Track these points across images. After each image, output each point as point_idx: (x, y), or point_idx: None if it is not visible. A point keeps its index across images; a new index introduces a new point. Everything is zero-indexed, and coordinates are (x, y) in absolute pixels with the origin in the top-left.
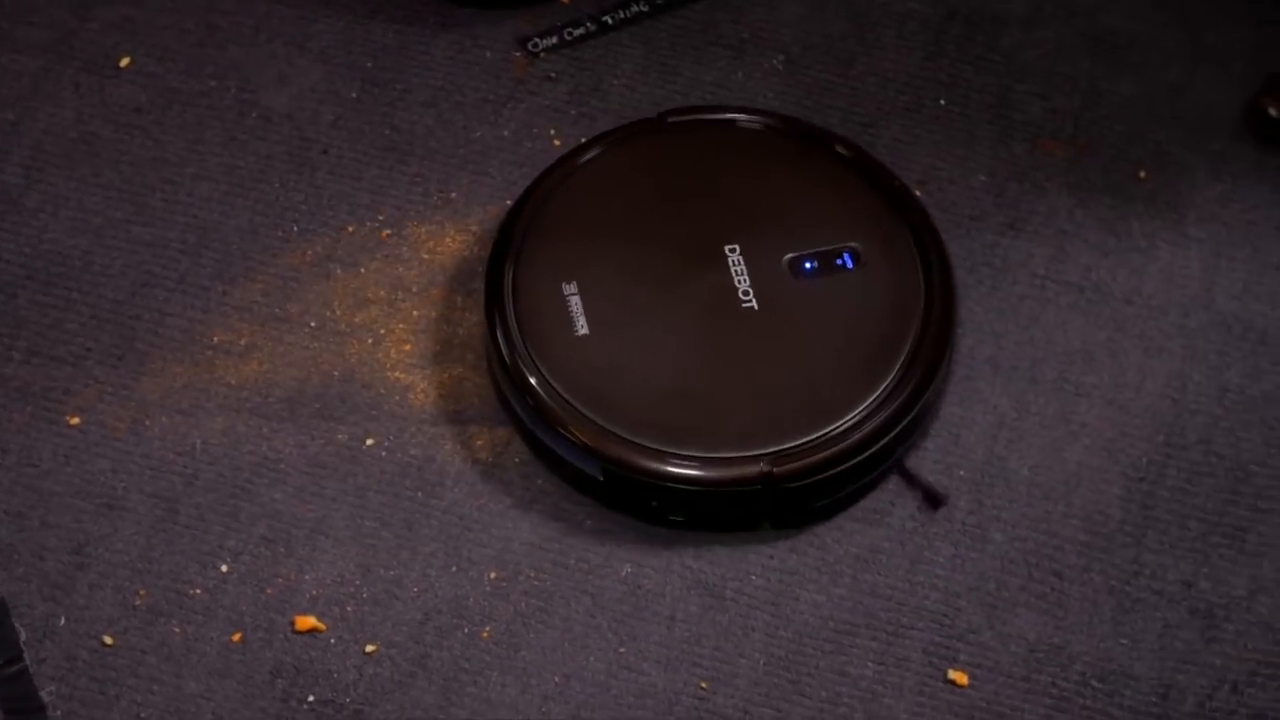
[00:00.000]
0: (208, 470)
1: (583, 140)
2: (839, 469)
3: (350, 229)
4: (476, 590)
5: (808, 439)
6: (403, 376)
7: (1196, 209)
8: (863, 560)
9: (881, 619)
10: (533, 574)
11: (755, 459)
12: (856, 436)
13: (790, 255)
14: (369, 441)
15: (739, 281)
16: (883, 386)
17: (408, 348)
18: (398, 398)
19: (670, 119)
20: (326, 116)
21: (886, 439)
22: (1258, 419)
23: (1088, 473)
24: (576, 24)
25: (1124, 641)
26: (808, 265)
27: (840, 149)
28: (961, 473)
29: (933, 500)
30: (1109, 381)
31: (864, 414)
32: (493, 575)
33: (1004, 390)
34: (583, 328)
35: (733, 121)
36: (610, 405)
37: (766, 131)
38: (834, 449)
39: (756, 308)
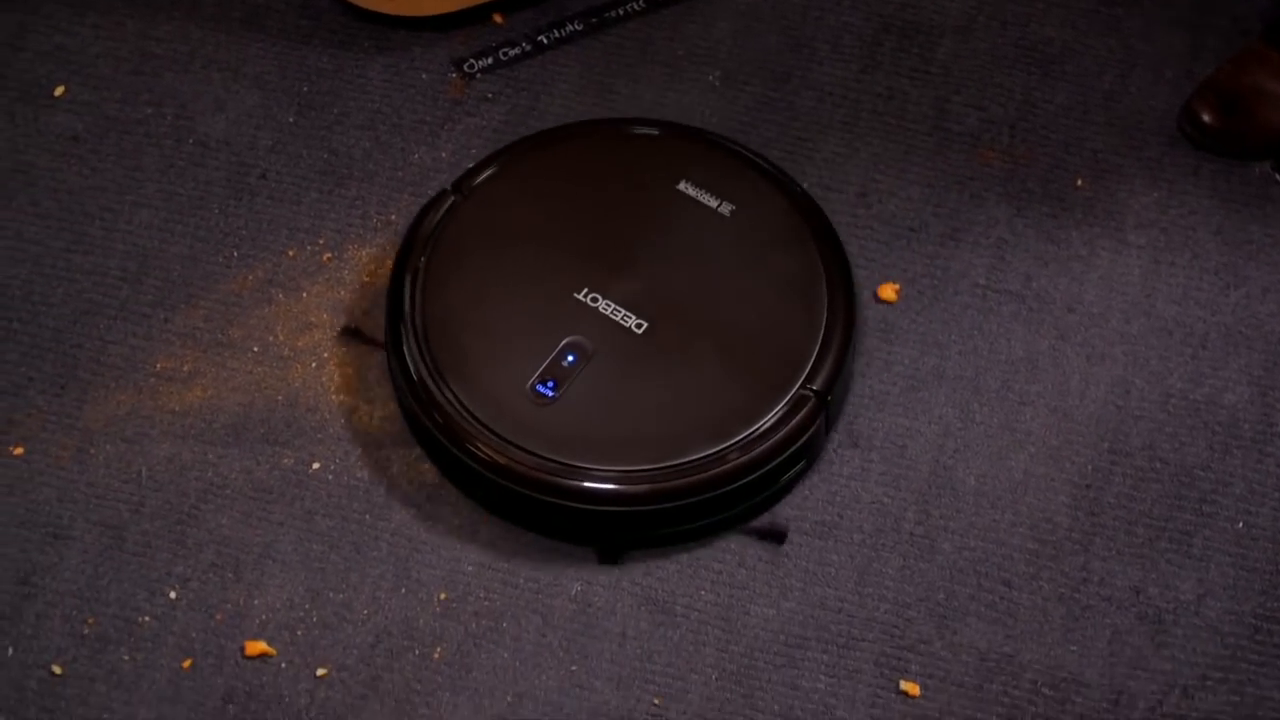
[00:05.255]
0: (154, 497)
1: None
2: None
3: (291, 253)
4: (426, 611)
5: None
6: (347, 399)
7: (1135, 215)
8: (812, 573)
9: (832, 631)
10: (482, 594)
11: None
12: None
13: None
14: (315, 465)
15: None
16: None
17: (351, 371)
18: (343, 421)
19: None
20: (264, 141)
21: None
22: (1201, 423)
23: (1034, 481)
24: (512, 44)
25: (1074, 649)
26: None
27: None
28: (908, 484)
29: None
30: (1053, 389)
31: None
32: (442, 596)
33: (949, 400)
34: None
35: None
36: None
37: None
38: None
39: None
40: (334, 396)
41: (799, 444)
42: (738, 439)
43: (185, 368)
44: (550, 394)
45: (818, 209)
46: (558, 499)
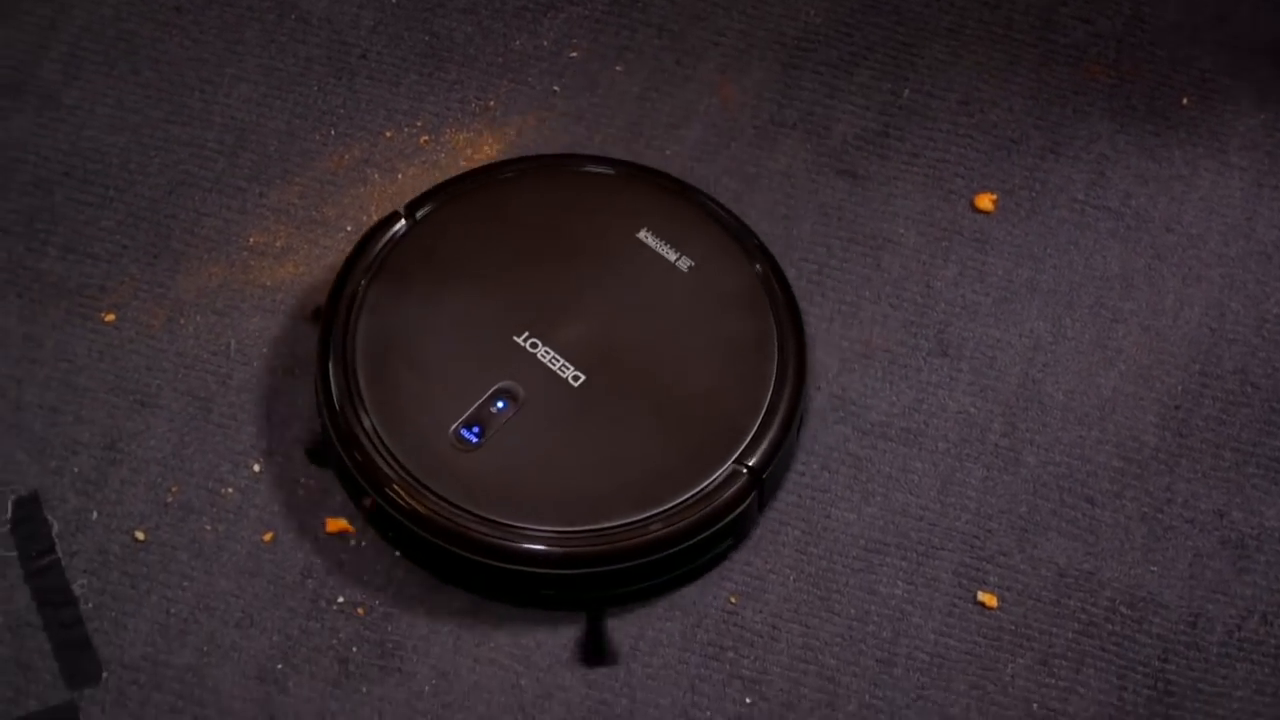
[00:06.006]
0: (242, 370)
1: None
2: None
3: (388, 134)
4: None
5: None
6: None
7: (1239, 137)
8: (894, 480)
9: (912, 539)
10: None
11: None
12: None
13: None
14: None
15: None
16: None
17: None
18: None
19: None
20: (366, 21)
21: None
22: None
23: (1123, 399)
24: None
25: (1154, 569)
26: None
27: None
28: (996, 395)
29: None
30: (1146, 308)
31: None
32: None
33: (1040, 313)
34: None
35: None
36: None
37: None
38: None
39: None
40: None
41: (725, 521)
42: (662, 509)
43: (278, 243)
44: (474, 440)
45: (781, 275)
46: (461, 550)
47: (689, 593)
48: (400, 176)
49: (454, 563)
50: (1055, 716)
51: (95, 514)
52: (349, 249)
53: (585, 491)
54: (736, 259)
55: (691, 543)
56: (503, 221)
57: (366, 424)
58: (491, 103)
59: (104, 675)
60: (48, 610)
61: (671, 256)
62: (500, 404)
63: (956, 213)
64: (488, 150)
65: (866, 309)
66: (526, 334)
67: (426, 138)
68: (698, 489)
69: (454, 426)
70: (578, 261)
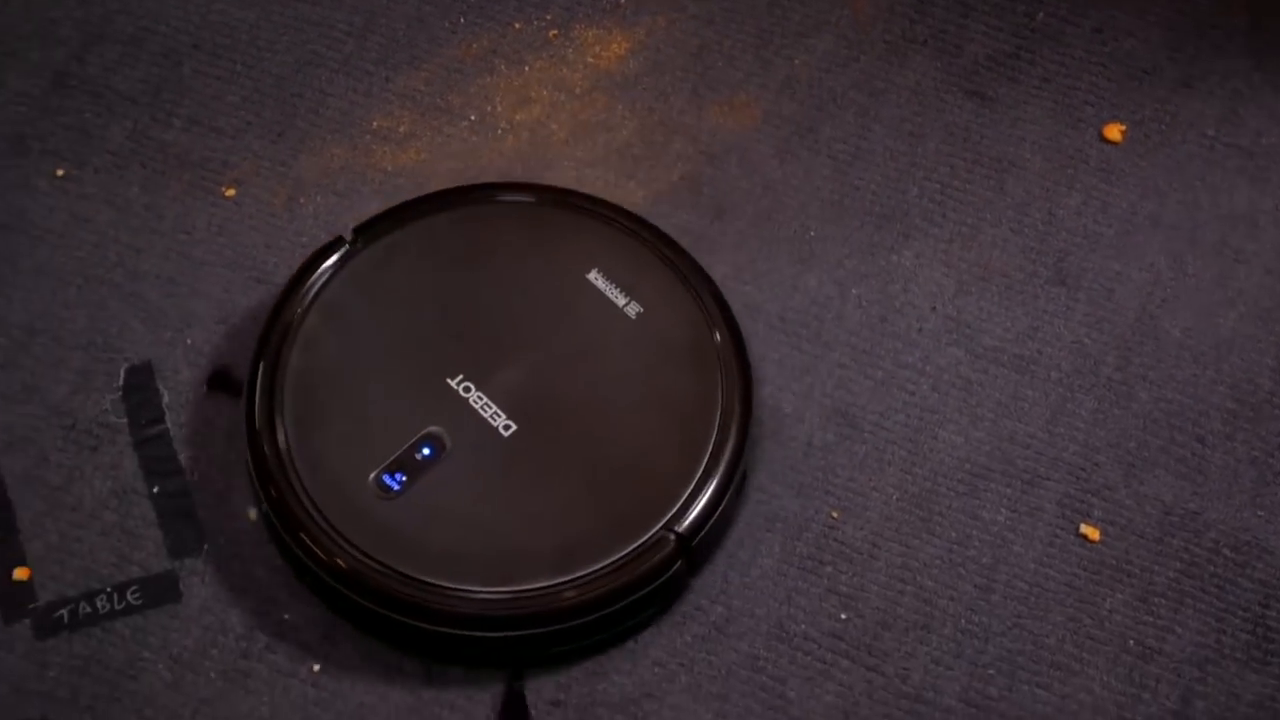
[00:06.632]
0: None
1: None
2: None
3: (517, 26)
4: None
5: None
6: (558, 178)
7: None
8: (1004, 406)
9: (1018, 466)
10: None
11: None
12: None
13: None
14: None
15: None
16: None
17: (565, 150)
18: None
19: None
20: None
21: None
22: None
23: (1241, 340)
24: None
25: (1261, 514)
26: None
27: None
28: (1112, 328)
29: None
30: (1271, 250)
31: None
32: None
33: (1162, 249)
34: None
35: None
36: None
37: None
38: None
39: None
40: (545, 174)
41: (647, 590)
42: (579, 574)
43: (401, 128)
44: (396, 487)
45: (734, 326)
46: (370, 603)
47: (790, 505)
48: (527, 69)
49: (365, 614)
50: (1151, 654)
51: (206, 388)
52: (472, 139)
53: (504, 550)
54: (687, 308)
55: (614, 609)
56: (451, 254)
57: (287, 463)
58: (622, 0)
59: (205, 547)
60: (154, 479)
61: (620, 301)
62: (426, 450)
63: (1084, 141)
64: (615, 49)
65: (986, 232)
66: (460, 377)
67: (555, 32)
68: (623, 553)
69: (375, 472)
70: (522, 301)
